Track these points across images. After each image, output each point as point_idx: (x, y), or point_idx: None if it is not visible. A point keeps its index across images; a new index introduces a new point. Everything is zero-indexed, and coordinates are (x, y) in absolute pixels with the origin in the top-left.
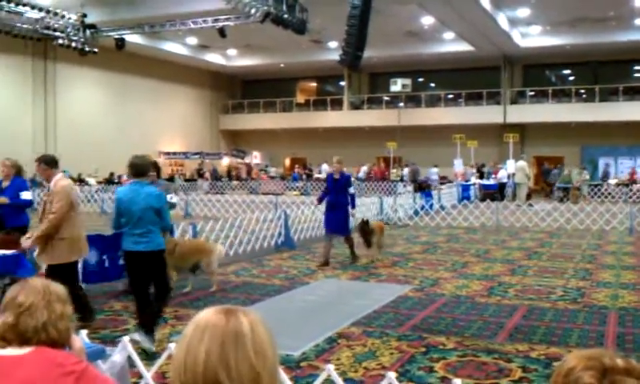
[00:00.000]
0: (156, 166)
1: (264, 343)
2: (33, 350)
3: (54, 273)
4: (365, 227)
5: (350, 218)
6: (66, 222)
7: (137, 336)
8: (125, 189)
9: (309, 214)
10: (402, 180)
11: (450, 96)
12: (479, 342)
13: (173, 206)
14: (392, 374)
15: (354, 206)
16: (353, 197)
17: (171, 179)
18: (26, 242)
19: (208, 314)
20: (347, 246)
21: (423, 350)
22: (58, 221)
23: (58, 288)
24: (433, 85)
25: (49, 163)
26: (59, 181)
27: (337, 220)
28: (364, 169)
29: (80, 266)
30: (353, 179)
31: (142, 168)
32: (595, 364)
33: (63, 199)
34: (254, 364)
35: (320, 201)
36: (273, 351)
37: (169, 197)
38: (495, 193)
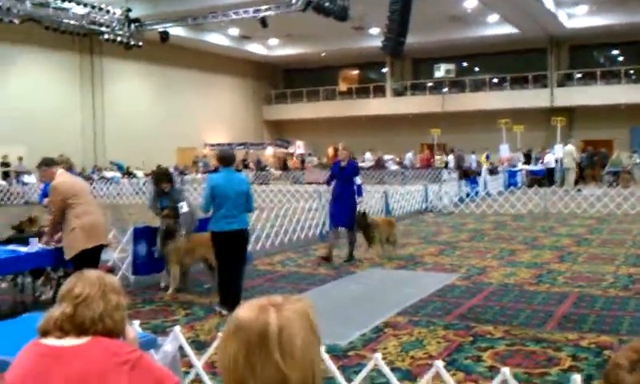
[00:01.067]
0: (169, 177)
1: (293, 344)
2: (90, 340)
3: (78, 265)
4: (362, 221)
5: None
6: (69, 213)
7: (221, 309)
8: (218, 176)
9: None
10: (446, 167)
11: (495, 80)
12: (528, 331)
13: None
14: (440, 363)
15: (360, 195)
16: (359, 187)
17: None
18: (41, 241)
19: (243, 311)
20: (348, 242)
21: (470, 339)
22: (53, 220)
23: (113, 279)
24: (477, 69)
25: (47, 164)
26: (56, 178)
27: (342, 212)
28: (409, 155)
29: (130, 258)
30: (396, 168)
31: (230, 158)
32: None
33: (54, 199)
34: (281, 367)
35: (328, 184)
36: (307, 350)
37: (180, 206)
38: (543, 178)
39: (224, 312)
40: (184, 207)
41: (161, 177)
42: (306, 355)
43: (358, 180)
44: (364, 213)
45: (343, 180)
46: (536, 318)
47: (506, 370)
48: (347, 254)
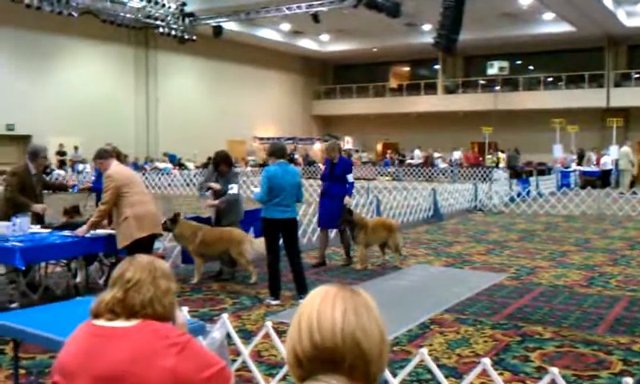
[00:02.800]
0: (229, 160)
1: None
2: (139, 322)
3: (132, 253)
4: (346, 218)
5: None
6: (123, 202)
7: (270, 301)
8: (275, 168)
9: (401, 199)
10: (497, 166)
11: (550, 79)
12: (578, 333)
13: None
14: (487, 361)
15: (350, 194)
16: (351, 185)
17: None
18: (80, 229)
19: (330, 287)
20: (341, 243)
21: (519, 339)
22: (104, 209)
23: (164, 265)
24: (531, 67)
25: (101, 157)
26: (111, 169)
27: (330, 211)
28: (457, 154)
29: (180, 246)
30: (446, 165)
31: (283, 151)
32: None
33: (108, 187)
34: (382, 328)
35: (323, 181)
36: None
37: (229, 187)
38: (597, 180)
39: (272, 303)
40: (234, 189)
41: (222, 159)
42: None
43: (351, 178)
44: (349, 209)
45: (333, 178)
46: (586, 321)
47: (554, 370)
48: (344, 257)
